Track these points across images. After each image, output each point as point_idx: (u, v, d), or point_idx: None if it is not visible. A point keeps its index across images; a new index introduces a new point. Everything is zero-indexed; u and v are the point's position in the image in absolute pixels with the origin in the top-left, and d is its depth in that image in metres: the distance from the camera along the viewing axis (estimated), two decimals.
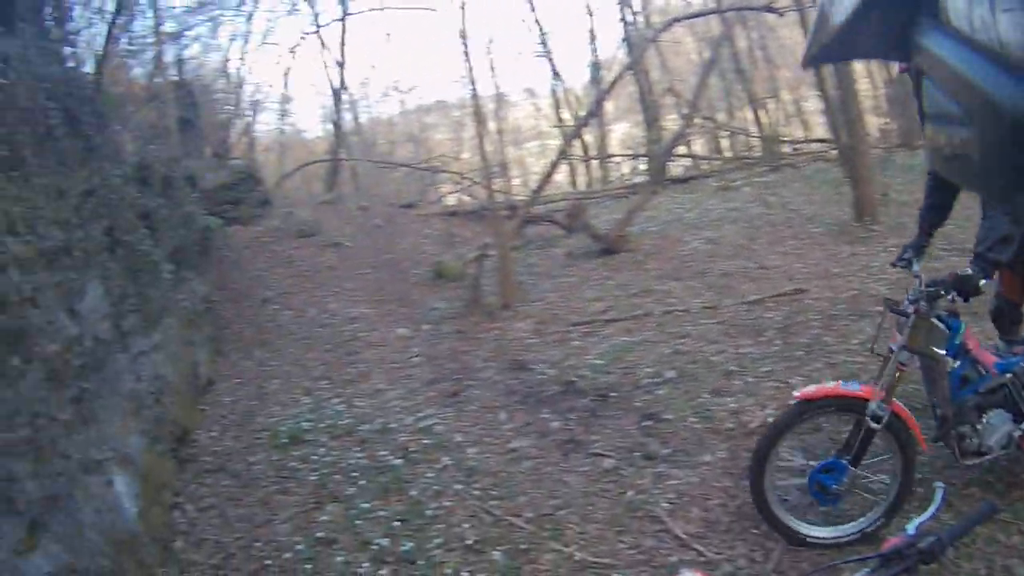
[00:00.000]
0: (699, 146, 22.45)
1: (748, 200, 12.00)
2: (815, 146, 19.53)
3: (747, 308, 6.85)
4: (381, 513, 4.21)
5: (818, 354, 5.63)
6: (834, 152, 13.16)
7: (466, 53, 14.28)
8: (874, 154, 12.11)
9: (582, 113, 19.40)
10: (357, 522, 4.15)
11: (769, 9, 10.26)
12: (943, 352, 3.23)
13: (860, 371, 4.98)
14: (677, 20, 15.39)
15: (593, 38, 28.47)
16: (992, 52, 0.51)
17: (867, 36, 0.69)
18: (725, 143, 23.14)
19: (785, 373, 5.37)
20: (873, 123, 22.15)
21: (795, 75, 25.31)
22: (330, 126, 20.35)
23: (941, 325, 3.24)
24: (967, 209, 4.39)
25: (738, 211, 11.20)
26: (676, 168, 19.16)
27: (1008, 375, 3.38)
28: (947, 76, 0.58)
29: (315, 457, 4.95)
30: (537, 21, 31.52)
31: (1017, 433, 3.35)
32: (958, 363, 3.37)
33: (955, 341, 3.31)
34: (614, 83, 13.49)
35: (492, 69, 30.14)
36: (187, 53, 14.55)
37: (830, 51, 0.77)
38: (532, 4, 28.68)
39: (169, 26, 12.92)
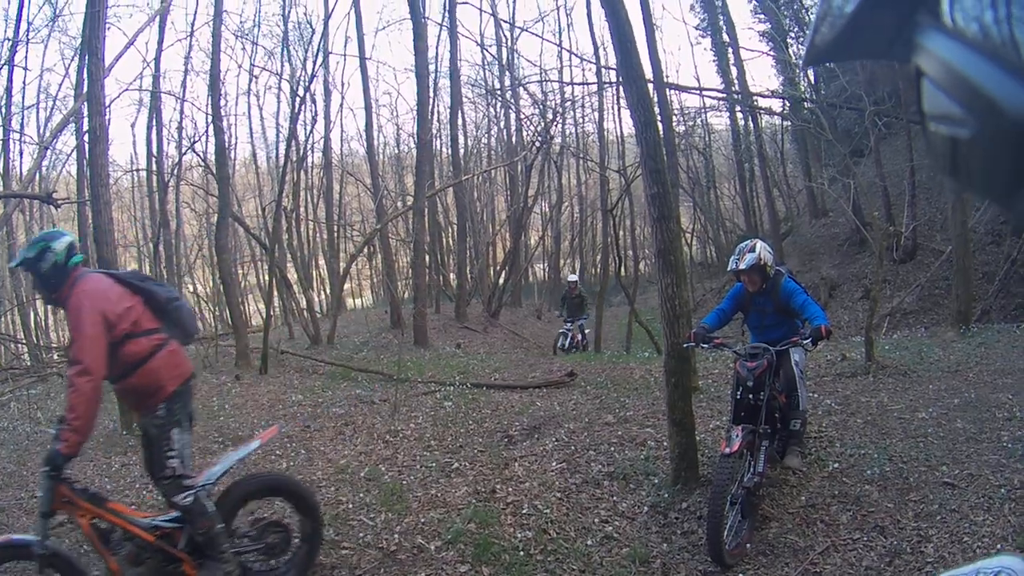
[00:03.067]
0: None
1: (17, 418, 10.81)
2: None
3: None
4: None
5: None
6: None
7: None
8: None
9: None
10: None
11: (48, 200, 10.02)
12: None
13: None
14: None
15: None
16: (995, 52, 0.49)
17: (867, 36, 0.64)
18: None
19: None
20: None
21: None
22: None
23: None
24: None
25: (7, 432, 9.93)
26: None
27: None
28: (947, 76, 0.55)
29: None
30: None
31: None
32: None
33: None
34: None
35: None
36: None
37: (830, 52, 0.69)
38: None
39: None
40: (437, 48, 24.90)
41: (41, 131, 21.87)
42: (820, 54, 0.71)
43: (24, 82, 25.17)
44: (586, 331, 16.48)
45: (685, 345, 5.48)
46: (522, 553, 4.97)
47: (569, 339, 15.76)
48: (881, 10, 0.61)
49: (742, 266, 5.20)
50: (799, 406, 5.32)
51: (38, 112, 23.13)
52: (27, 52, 22.59)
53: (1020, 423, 5.97)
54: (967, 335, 9.95)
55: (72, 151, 18.45)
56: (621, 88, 18.92)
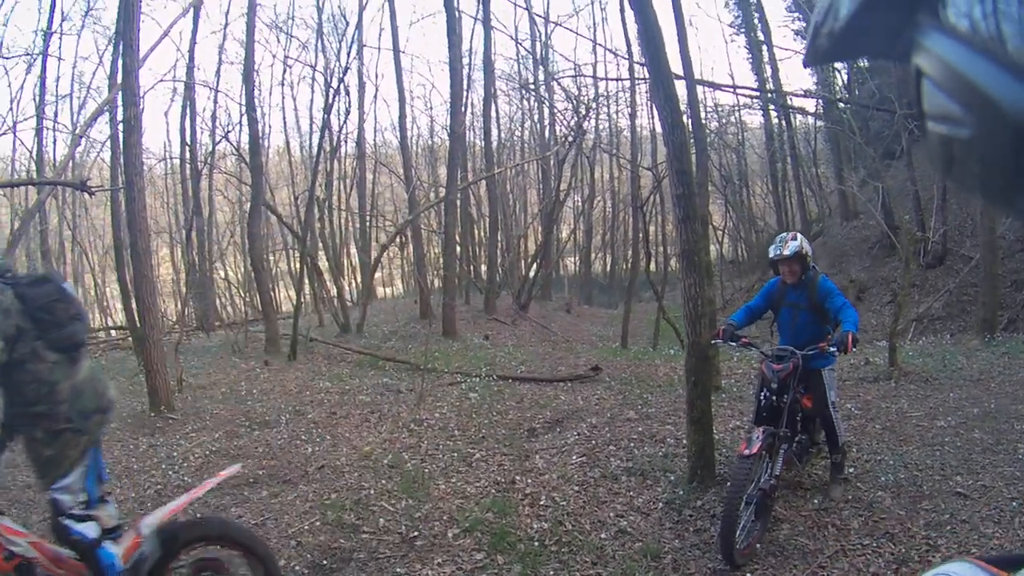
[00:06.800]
0: None
1: None
2: (114, 333, 20.23)
3: None
4: None
5: None
6: (130, 340, 13.71)
7: None
8: (171, 339, 12.52)
9: None
10: None
11: (82, 188, 10.15)
12: None
13: None
14: None
15: None
16: (995, 51, 0.50)
17: (867, 35, 0.65)
18: None
19: None
20: (172, 307, 24.30)
21: (101, 258, 27.62)
22: None
23: None
24: None
25: None
26: None
27: None
28: (947, 76, 0.56)
29: None
30: None
31: None
32: None
33: None
34: None
35: None
36: None
37: (830, 52, 0.69)
38: None
39: None
40: (471, 41, 24.89)
41: (75, 119, 22.16)
42: (821, 54, 0.73)
43: (58, 71, 25.68)
44: None
45: (713, 342, 5.53)
46: (537, 543, 5.10)
47: None
48: (881, 10, 0.63)
49: (786, 252, 5.17)
50: (837, 444, 5.33)
51: (72, 100, 23.35)
52: (61, 43, 22.84)
53: None
54: (992, 344, 9.92)
55: (106, 139, 18.58)
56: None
